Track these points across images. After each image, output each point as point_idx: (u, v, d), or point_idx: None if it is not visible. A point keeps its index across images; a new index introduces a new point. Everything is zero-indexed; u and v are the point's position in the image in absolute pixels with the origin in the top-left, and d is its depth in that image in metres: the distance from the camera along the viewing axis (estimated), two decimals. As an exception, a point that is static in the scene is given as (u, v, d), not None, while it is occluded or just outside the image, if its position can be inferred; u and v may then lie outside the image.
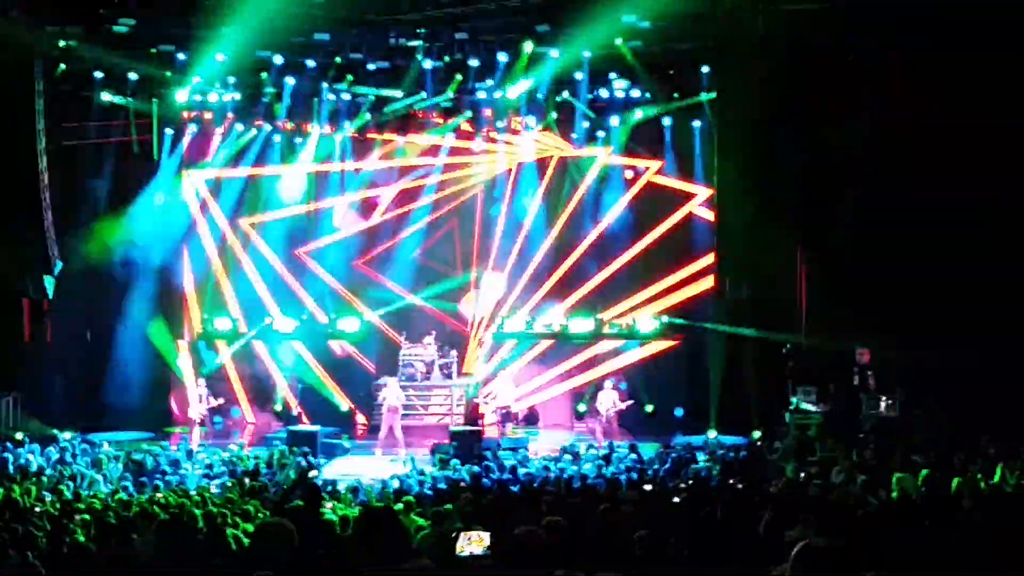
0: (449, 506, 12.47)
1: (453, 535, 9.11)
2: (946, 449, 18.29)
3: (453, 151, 29.54)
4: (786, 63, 24.19)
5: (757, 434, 24.03)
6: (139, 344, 27.93)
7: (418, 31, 25.43)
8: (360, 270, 29.87)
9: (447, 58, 26.19)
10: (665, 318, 27.55)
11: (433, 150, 29.53)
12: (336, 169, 29.42)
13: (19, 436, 23.72)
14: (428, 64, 26.16)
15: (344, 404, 29.02)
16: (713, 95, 26.50)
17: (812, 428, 23.29)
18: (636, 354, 28.44)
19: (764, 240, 25.30)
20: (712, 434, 24.59)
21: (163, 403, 28.04)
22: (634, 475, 18.30)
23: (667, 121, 28.11)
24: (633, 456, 21.16)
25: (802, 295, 25.87)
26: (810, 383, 24.53)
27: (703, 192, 28.03)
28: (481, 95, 27.62)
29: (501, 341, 29.21)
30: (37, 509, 13.78)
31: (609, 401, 26.09)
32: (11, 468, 19.55)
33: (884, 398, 23.45)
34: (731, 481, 16.87)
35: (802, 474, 17.38)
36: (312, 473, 19.98)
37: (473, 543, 8.81)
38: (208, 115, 28.37)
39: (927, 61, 22.72)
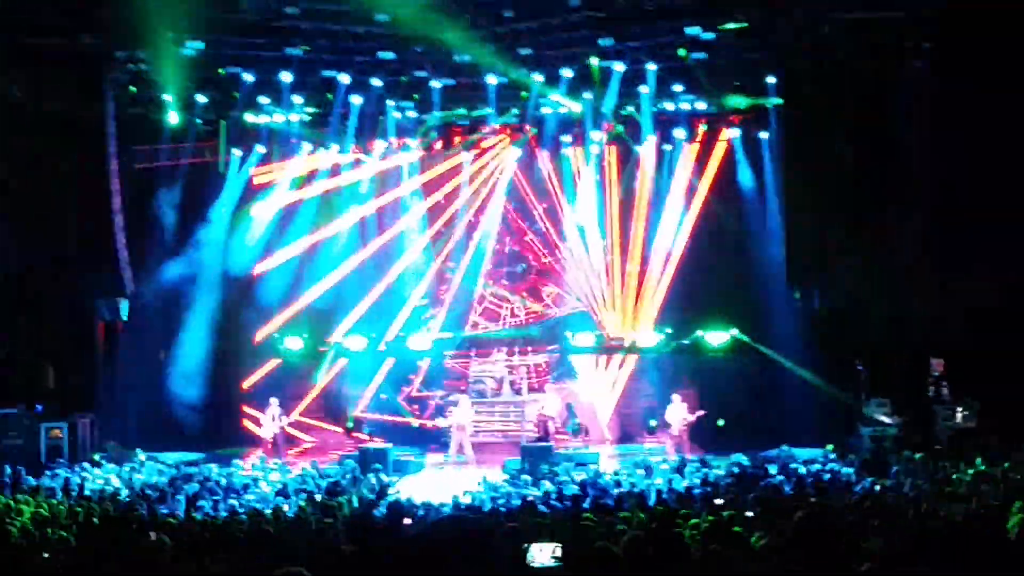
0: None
1: (524, 546, 9.09)
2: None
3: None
4: (852, 71, 24.05)
5: (830, 447, 23.78)
6: (214, 362, 28.08)
7: (482, 48, 25.47)
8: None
9: (512, 74, 26.22)
10: (735, 332, 27.33)
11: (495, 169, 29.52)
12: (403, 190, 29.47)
13: (97, 457, 24.00)
14: (493, 80, 26.19)
15: (415, 421, 29.08)
16: (779, 101, 26.31)
17: (887, 440, 23.02)
18: (705, 366, 28.17)
19: (834, 248, 25.12)
20: (785, 448, 24.34)
21: (237, 422, 28.16)
22: (707, 489, 18.14)
23: (735, 133, 27.91)
24: (704, 470, 21.01)
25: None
26: (884, 394, 24.30)
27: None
28: (546, 111, 27.61)
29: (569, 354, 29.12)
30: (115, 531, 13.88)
31: (679, 414, 25.92)
32: (88, 490, 19.78)
33: (960, 408, 23.13)
34: (805, 494, 16.69)
35: (877, 487, 17.19)
36: (388, 491, 20.01)
37: (544, 554, 8.78)
38: (275, 135, 28.51)
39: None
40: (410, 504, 16.93)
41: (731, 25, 24.26)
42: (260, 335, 28.88)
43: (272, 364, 28.86)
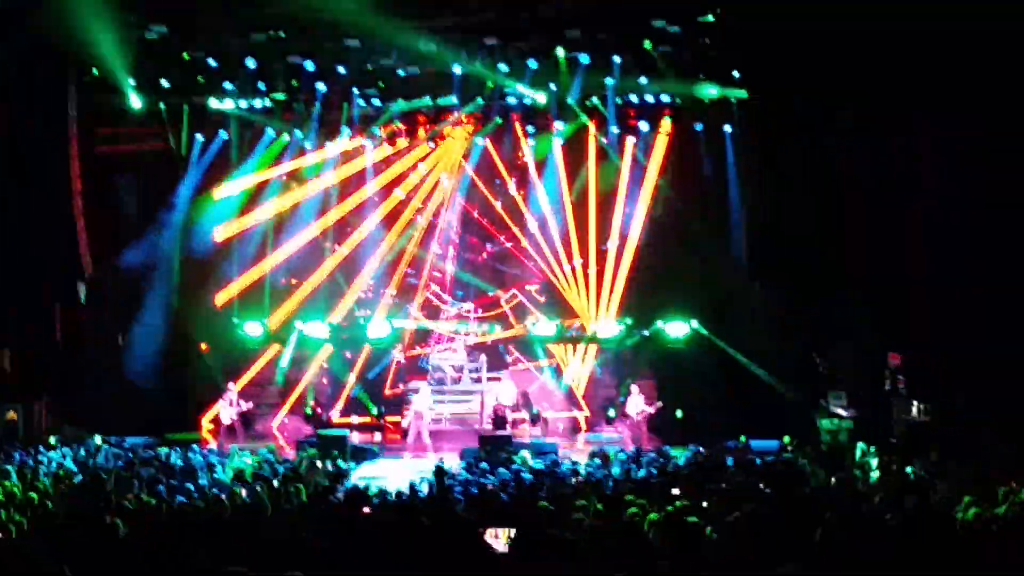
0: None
1: (479, 531, 9.16)
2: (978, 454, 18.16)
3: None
4: (814, 67, 24.16)
5: (787, 439, 23.93)
6: (172, 347, 27.95)
7: (448, 37, 25.46)
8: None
9: (477, 64, 26.19)
10: (695, 323, 27.47)
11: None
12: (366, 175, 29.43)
13: (52, 440, 23.86)
14: (458, 70, 26.16)
15: (374, 408, 29.05)
16: (743, 95, 26.41)
17: (843, 433, 23.20)
18: (665, 358, 28.28)
19: (795, 242, 25.27)
20: (742, 439, 24.46)
21: (195, 407, 28.02)
22: (664, 479, 18.21)
23: (699, 127, 28.01)
24: (662, 460, 21.10)
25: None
26: (841, 388, 24.47)
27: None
28: (511, 100, 27.62)
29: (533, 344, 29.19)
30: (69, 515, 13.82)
31: (638, 405, 26.05)
32: (42, 473, 19.66)
33: (916, 403, 23.31)
34: (760, 486, 16.79)
35: (832, 479, 17.31)
36: (346, 478, 20.01)
37: (499, 540, 8.86)
38: (238, 121, 28.38)
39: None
40: (368, 491, 16.93)
41: (701, 19, 24.34)
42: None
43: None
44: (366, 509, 14.31)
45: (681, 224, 28.31)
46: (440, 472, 17.73)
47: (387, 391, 29.50)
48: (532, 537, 8.98)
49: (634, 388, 26.52)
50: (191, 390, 28.11)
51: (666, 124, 28.22)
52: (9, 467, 19.65)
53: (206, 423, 27.36)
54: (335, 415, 28.44)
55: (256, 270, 28.79)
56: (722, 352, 27.54)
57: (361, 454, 24.74)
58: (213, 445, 24.74)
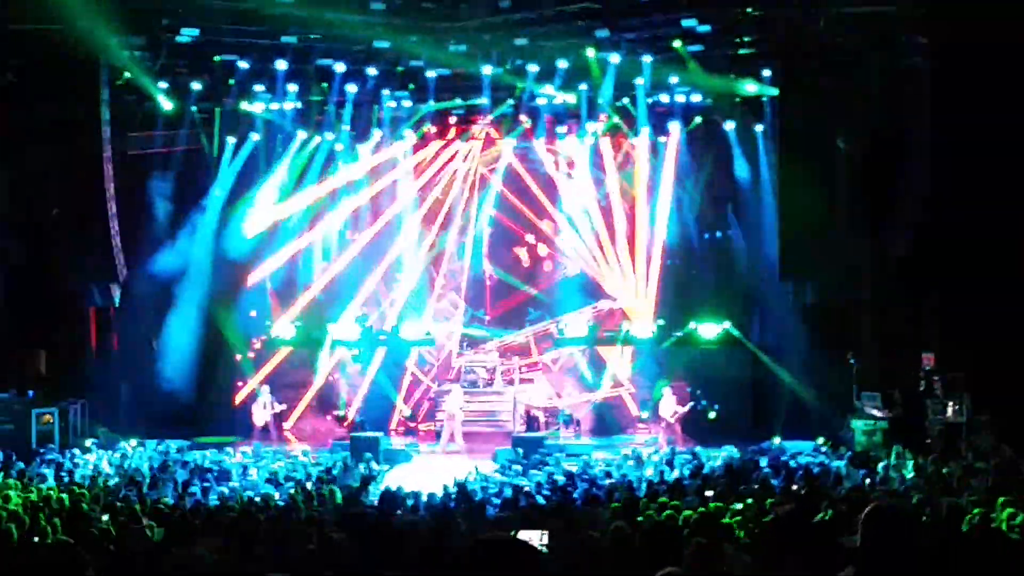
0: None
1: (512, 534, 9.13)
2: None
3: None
4: (848, 64, 24.05)
5: (821, 440, 23.83)
6: (205, 350, 28.05)
7: (478, 38, 25.42)
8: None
9: (507, 65, 26.17)
10: (728, 325, 27.39)
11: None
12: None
13: (88, 443, 23.99)
14: (488, 70, 26.14)
15: (407, 410, 29.10)
16: (775, 93, 26.28)
17: (877, 434, 23.06)
18: (698, 359, 28.19)
19: (829, 243, 25.13)
20: (776, 440, 24.37)
21: (229, 409, 28.08)
22: (698, 481, 18.17)
23: (729, 125, 27.90)
24: (695, 462, 21.04)
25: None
26: (875, 389, 24.33)
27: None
28: (541, 101, 27.59)
29: (562, 346, 29.12)
30: (104, 517, 13.88)
31: (671, 406, 26.00)
32: (78, 475, 19.78)
33: (951, 403, 23.13)
34: (794, 488, 16.72)
35: (867, 481, 17.23)
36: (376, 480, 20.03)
37: (532, 542, 8.84)
38: (269, 123, 28.44)
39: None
40: (401, 493, 16.95)
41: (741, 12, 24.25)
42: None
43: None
44: (398, 512, 14.32)
45: (713, 224, 28.33)
46: (463, 490, 17.55)
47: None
48: (566, 541, 8.97)
49: (667, 390, 26.48)
50: (223, 393, 28.17)
51: (675, 128, 28.14)
52: (46, 470, 19.80)
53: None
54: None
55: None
56: (754, 353, 27.48)
57: (394, 456, 24.74)
58: (247, 448, 24.76)
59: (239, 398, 28.06)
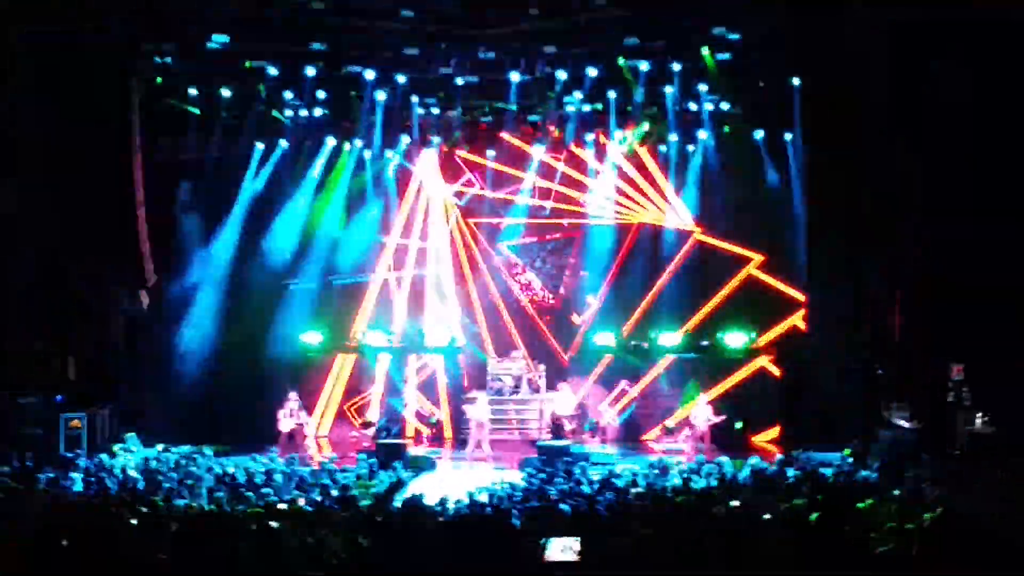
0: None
1: (542, 541, 9.13)
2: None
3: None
4: (877, 73, 23.98)
5: (848, 450, 23.71)
6: (235, 357, 28.14)
7: (506, 45, 25.44)
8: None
9: (536, 72, 26.16)
10: (754, 334, 27.32)
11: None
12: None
13: (115, 448, 24.08)
14: (516, 78, 26.14)
15: (435, 417, 29.17)
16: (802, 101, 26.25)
17: (907, 444, 22.93)
18: (724, 369, 28.16)
19: (858, 251, 25.07)
20: (802, 451, 24.27)
21: (257, 417, 28.10)
22: (724, 491, 18.09)
23: (759, 134, 27.85)
24: (722, 471, 20.98)
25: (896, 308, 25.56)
26: (903, 399, 24.21)
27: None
28: (570, 109, 27.57)
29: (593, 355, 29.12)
30: (133, 522, 13.91)
31: (704, 415, 25.92)
32: (108, 480, 19.83)
33: (979, 414, 23.00)
34: (819, 497, 16.62)
35: (896, 491, 17.11)
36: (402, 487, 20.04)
37: (563, 549, 8.82)
38: (299, 129, 28.50)
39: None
40: (426, 500, 16.95)
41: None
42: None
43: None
44: (423, 519, 14.30)
45: (743, 231, 28.33)
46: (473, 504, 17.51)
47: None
48: (595, 549, 8.95)
49: (701, 398, 26.42)
50: (251, 399, 28.22)
51: (704, 136, 28.10)
52: (76, 475, 19.86)
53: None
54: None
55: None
56: (784, 364, 27.47)
57: (419, 464, 24.72)
58: (273, 454, 24.80)
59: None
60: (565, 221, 29.95)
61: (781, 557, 10.16)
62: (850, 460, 22.80)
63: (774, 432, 27.41)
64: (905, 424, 23.72)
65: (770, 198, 28.00)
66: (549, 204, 29.69)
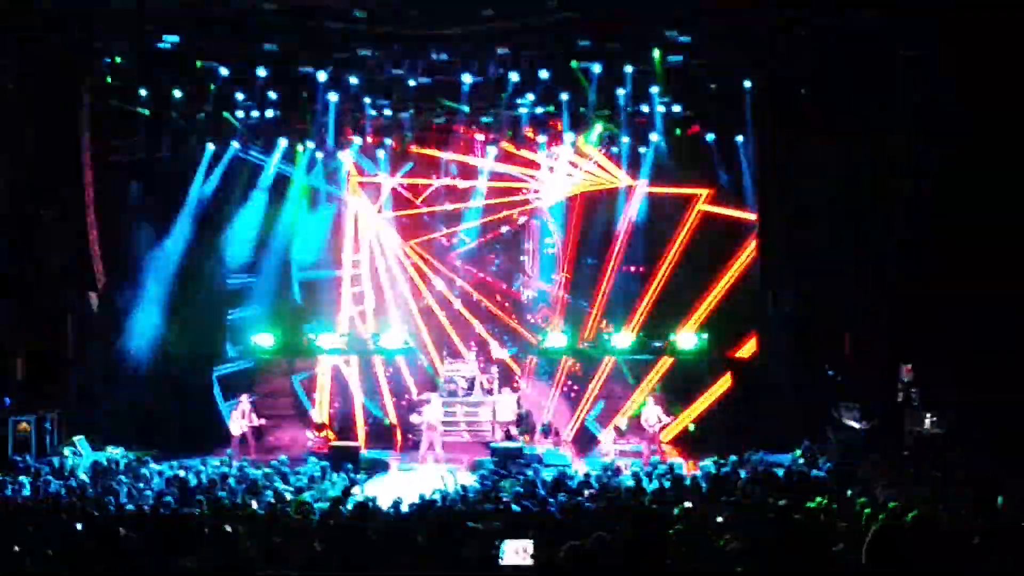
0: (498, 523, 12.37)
1: (496, 542, 9.10)
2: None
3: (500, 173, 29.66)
4: (828, 73, 24.17)
5: (799, 451, 23.86)
6: (186, 360, 27.98)
7: (459, 47, 25.40)
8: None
9: (488, 74, 26.15)
10: (705, 335, 27.43)
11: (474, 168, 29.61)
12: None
13: (65, 451, 23.85)
14: (468, 79, 26.12)
15: (387, 419, 29.12)
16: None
17: (857, 445, 23.11)
18: (679, 372, 28.27)
19: (808, 253, 25.21)
20: (755, 452, 24.41)
21: (207, 419, 27.96)
22: (677, 492, 18.16)
23: (710, 137, 27.98)
24: (674, 473, 21.05)
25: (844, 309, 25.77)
26: (854, 399, 24.39)
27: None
28: (523, 111, 27.57)
29: (547, 356, 29.12)
30: (79, 527, 13.79)
31: (654, 416, 25.96)
32: (54, 484, 19.65)
33: (928, 415, 23.21)
34: (770, 500, 16.71)
35: (849, 492, 17.23)
36: (355, 490, 19.97)
37: (517, 552, 8.80)
38: (250, 130, 28.36)
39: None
40: (378, 503, 16.93)
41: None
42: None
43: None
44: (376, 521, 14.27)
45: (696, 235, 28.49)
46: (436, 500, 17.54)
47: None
48: (549, 551, 8.94)
49: (650, 399, 26.46)
50: (201, 402, 28.08)
51: (655, 138, 28.19)
52: (24, 479, 19.66)
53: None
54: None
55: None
56: (733, 364, 27.58)
57: (373, 466, 24.68)
58: (225, 457, 24.65)
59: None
60: (516, 211, 29.99)
61: (735, 557, 10.22)
62: (801, 461, 22.94)
63: (727, 432, 27.46)
64: (856, 425, 23.89)
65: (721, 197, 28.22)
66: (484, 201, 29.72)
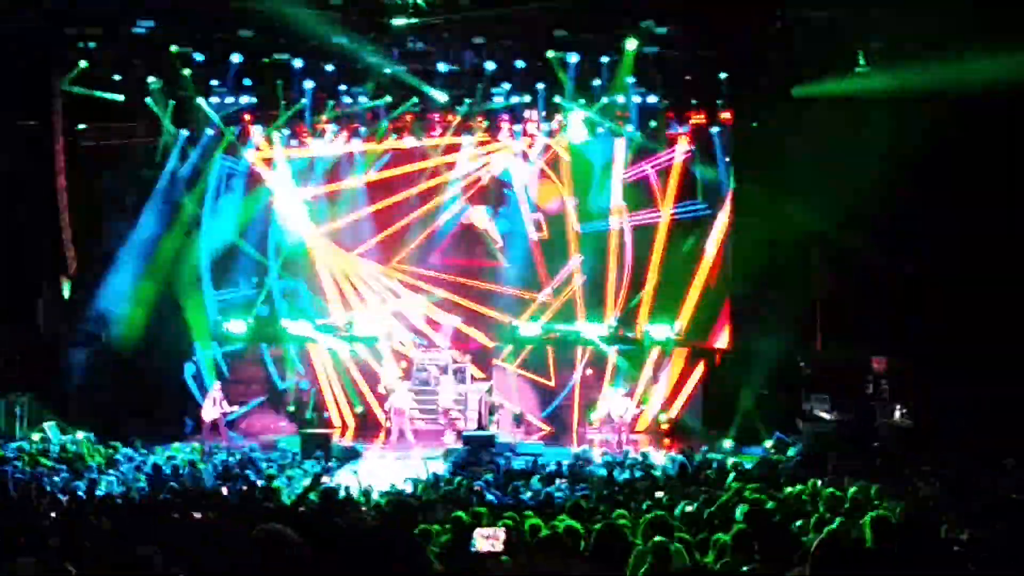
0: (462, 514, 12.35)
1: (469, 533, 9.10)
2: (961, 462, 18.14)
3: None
4: (804, 70, 24.23)
5: (769, 443, 23.98)
6: (158, 345, 27.90)
7: (436, 36, 25.35)
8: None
9: (464, 63, 26.12)
10: (679, 325, 27.46)
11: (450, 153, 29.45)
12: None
13: (36, 436, 23.76)
14: (444, 68, 26.10)
15: (359, 407, 29.06)
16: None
17: (826, 436, 23.21)
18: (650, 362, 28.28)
19: (781, 245, 25.28)
20: (727, 443, 24.50)
21: (179, 405, 27.89)
22: (648, 483, 18.22)
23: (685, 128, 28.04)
24: (646, 463, 21.12)
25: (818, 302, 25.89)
26: (824, 391, 24.48)
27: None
28: (498, 100, 27.53)
29: (519, 345, 29.02)
30: (52, 514, 13.76)
31: (623, 407, 25.99)
32: (28, 468, 19.59)
33: (898, 407, 23.34)
34: (743, 488, 16.78)
35: (819, 483, 17.31)
36: (324, 479, 19.94)
37: (489, 541, 8.79)
38: (225, 117, 28.22)
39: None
40: (349, 491, 16.91)
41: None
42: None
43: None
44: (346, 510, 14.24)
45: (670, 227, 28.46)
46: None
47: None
48: (521, 540, 8.95)
49: (619, 391, 26.47)
50: (174, 388, 28.02)
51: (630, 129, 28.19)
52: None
53: None
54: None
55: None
56: (707, 355, 27.65)
57: (345, 454, 24.66)
58: (197, 444, 24.59)
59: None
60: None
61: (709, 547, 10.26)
62: (772, 452, 23.04)
63: (698, 423, 27.55)
64: (826, 416, 24.00)
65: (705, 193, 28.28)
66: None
